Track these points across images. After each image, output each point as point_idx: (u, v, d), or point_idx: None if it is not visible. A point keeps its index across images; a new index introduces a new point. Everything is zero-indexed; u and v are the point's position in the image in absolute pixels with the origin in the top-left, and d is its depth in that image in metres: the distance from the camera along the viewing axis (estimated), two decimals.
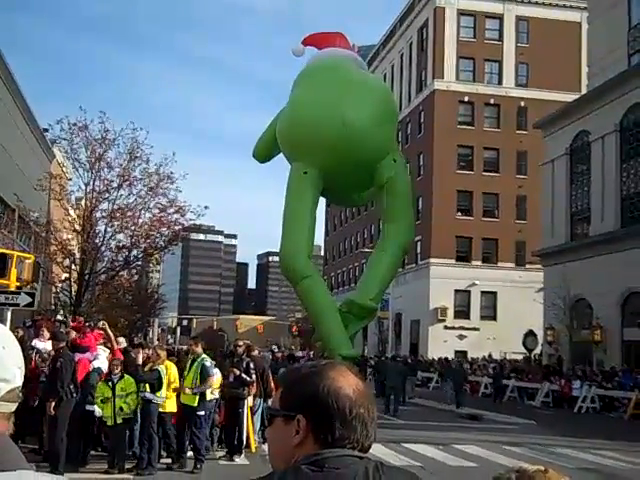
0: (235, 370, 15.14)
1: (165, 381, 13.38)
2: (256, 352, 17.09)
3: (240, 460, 14.78)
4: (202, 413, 14.02)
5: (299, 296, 12.61)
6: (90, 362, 14.34)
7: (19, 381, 1.63)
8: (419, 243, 61.58)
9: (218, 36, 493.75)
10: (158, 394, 13.24)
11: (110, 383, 13.18)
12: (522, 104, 61.14)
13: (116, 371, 13.29)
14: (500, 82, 62.49)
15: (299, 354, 52.99)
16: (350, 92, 11.96)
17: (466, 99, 61.36)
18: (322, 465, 1.76)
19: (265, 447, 16.44)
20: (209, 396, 14.33)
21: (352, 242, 79.19)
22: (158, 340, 52.27)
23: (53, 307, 38.09)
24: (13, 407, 1.62)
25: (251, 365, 15.37)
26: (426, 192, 59.39)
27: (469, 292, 59.08)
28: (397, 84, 71.48)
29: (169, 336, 73.73)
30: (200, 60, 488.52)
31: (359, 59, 13.98)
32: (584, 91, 46.97)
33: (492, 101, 61.64)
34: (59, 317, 33.40)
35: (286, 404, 1.89)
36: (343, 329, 11.81)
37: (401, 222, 12.71)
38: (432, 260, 58.87)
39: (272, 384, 16.17)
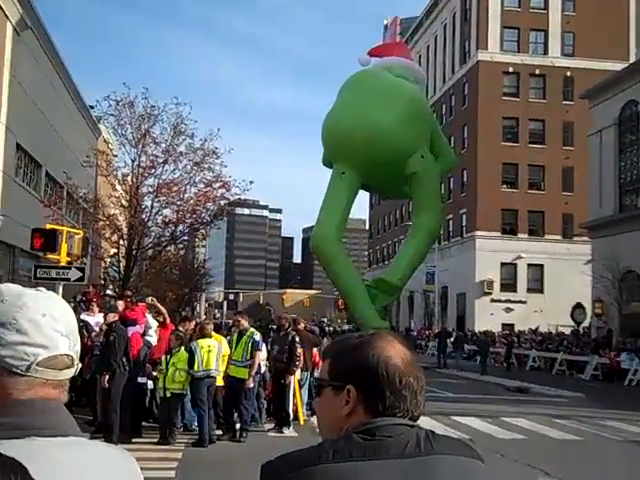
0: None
1: (211, 356, 13.54)
2: (302, 325, 17.21)
3: (289, 432, 14.93)
4: (251, 385, 14.23)
5: (329, 277, 13.69)
6: (142, 336, 14.60)
7: (63, 349, 1.64)
8: (464, 216, 61.20)
9: (257, 14, 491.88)
10: (196, 369, 13.42)
11: (168, 356, 13.46)
12: (568, 74, 60.11)
13: (175, 343, 13.56)
14: (546, 52, 61.43)
15: (345, 327, 53.25)
16: (378, 98, 13.09)
17: (511, 70, 60.47)
18: (373, 434, 1.78)
19: (313, 419, 16.62)
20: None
21: (397, 215, 78.89)
22: (205, 314, 52.82)
23: (102, 282, 38.60)
24: (60, 375, 1.65)
25: (297, 339, 15.49)
26: (470, 165, 58.86)
27: (515, 265, 58.60)
28: (440, 56, 70.70)
29: (216, 310, 74.38)
30: (244, 38, 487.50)
31: (409, 64, 15.07)
32: (632, 60, 46.03)
33: (537, 72, 60.68)
34: (109, 292, 33.92)
35: (335, 374, 1.90)
36: (371, 304, 13.02)
37: (429, 212, 14.09)
38: (477, 233, 58.44)
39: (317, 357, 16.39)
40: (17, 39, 32.08)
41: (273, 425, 15.42)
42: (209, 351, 13.50)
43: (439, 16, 72.00)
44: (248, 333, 14.49)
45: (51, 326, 1.63)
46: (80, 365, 1.74)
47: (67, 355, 1.65)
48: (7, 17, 30.68)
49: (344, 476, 1.70)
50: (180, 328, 14.80)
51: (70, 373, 1.68)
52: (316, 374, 17.53)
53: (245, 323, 14.79)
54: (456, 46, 66.78)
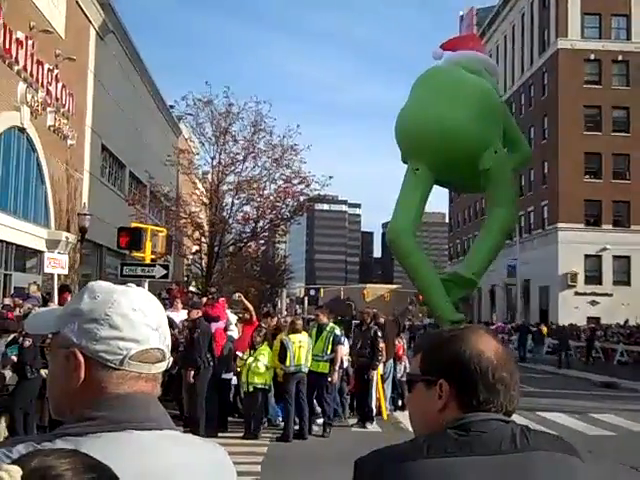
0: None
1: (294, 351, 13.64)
2: (382, 320, 17.18)
3: (372, 427, 14.94)
4: (335, 380, 14.32)
5: (406, 271, 13.87)
6: (225, 332, 14.80)
7: (154, 343, 1.67)
8: (545, 208, 60.08)
9: (334, 8, 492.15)
10: (288, 364, 13.55)
11: (252, 351, 13.63)
12: None
13: (258, 339, 13.72)
14: (629, 37, 59.74)
15: (426, 321, 52.94)
16: (449, 95, 13.13)
17: (592, 57, 59.02)
18: (468, 429, 1.76)
19: (397, 414, 16.59)
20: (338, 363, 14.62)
21: (477, 208, 77.96)
22: (286, 310, 53.18)
23: (186, 279, 39.26)
24: (153, 369, 1.68)
25: (379, 333, 15.49)
26: (551, 156, 57.75)
27: (600, 257, 57.24)
28: (518, 45, 69.51)
29: (297, 306, 74.80)
30: (326, 34, 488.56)
31: (483, 58, 15.16)
32: None
33: (620, 58, 59.07)
34: (192, 288, 34.46)
35: (427, 369, 1.89)
36: (447, 298, 13.24)
37: (503, 207, 14.25)
38: (560, 225, 57.30)
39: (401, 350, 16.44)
40: (100, 43, 32.86)
41: (356, 420, 15.44)
42: (300, 347, 13.62)
43: (517, 4, 70.76)
44: (328, 328, 14.57)
45: (141, 321, 1.66)
46: (171, 359, 1.77)
47: (158, 349, 1.69)
48: (90, 22, 31.44)
49: (442, 471, 1.69)
50: (262, 324, 14.96)
51: (162, 367, 1.71)
52: (400, 366, 17.52)
53: (324, 318, 14.86)
54: (535, 35, 65.53)
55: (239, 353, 14.18)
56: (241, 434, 13.36)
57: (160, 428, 1.61)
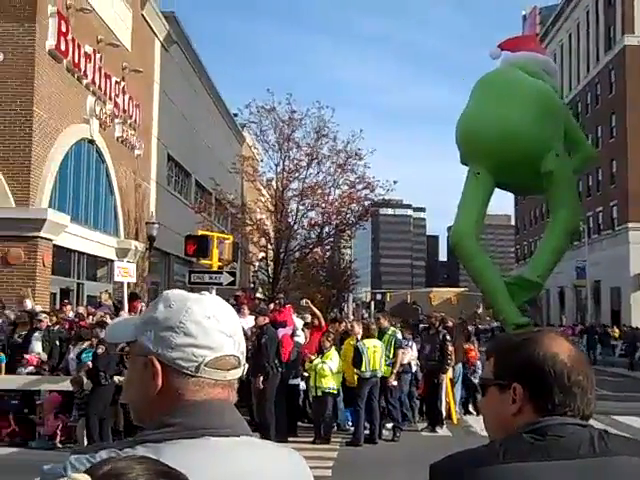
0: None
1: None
2: (450, 324, 17.07)
3: (442, 432, 14.84)
4: (395, 383, 14.28)
5: (470, 274, 13.92)
6: (292, 337, 14.87)
7: (229, 350, 1.69)
8: (614, 208, 58.87)
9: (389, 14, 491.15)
10: (363, 369, 13.57)
11: (320, 356, 13.69)
12: None
13: (327, 344, 13.78)
14: None
15: (494, 325, 52.29)
16: (509, 98, 13.07)
17: None
18: (544, 433, 1.74)
19: (467, 418, 16.46)
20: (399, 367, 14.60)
21: (543, 210, 76.77)
22: (353, 315, 53.12)
23: (252, 285, 39.55)
24: (229, 375, 1.69)
25: (448, 337, 15.40)
26: (620, 154, 56.54)
27: None
28: (583, 43, 68.28)
29: (364, 310, 74.70)
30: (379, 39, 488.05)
31: (542, 59, 15.06)
32: None
33: None
34: (258, 295, 34.70)
35: (500, 373, 1.87)
36: (511, 301, 13.14)
37: (567, 209, 14.16)
38: (630, 225, 56.03)
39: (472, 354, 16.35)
40: (165, 54, 33.38)
41: (426, 424, 15.36)
42: (375, 351, 13.64)
43: (581, 2, 69.55)
44: (390, 332, 14.60)
45: (215, 328, 1.68)
46: (247, 366, 1.79)
47: (233, 355, 1.70)
48: (155, 34, 31.98)
49: (519, 477, 1.67)
50: (331, 329, 15.01)
51: (237, 373, 1.72)
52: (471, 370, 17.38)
53: (385, 322, 14.90)
54: (600, 32, 64.30)
55: (310, 355, 14.21)
56: (311, 439, 13.40)
57: (237, 434, 1.63)
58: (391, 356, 14.29)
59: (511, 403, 1.83)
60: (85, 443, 13.33)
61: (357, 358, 13.62)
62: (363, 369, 13.53)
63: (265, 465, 1.63)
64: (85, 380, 13.78)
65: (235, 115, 44.55)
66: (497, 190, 14.29)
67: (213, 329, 1.68)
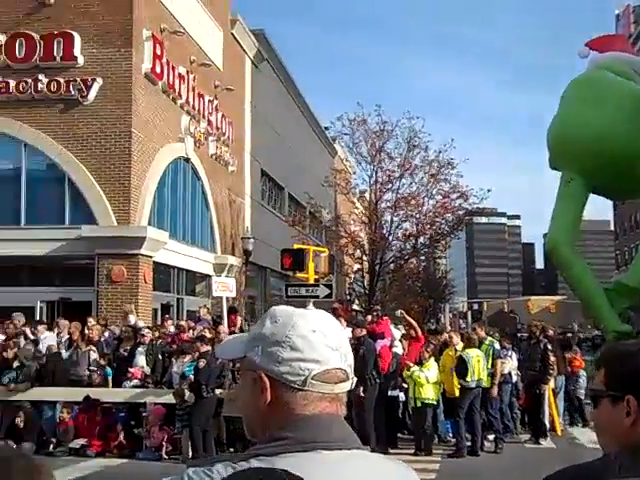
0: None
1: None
2: (551, 333, 16.72)
3: (546, 443, 14.52)
4: (495, 394, 14.08)
5: (569, 282, 13.64)
6: (390, 349, 14.84)
7: (335, 363, 1.69)
8: None
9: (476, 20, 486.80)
10: (468, 379, 13.44)
11: (418, 367, 13.63)
12: None
13: (426, 355, 13.71)
14: None
15: (595, 333, 50.89)
16: (601, 101, 12.74)
17: None
18: None
19: (572, 430, 16.08)
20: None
21: None
22: (450, 325, 52.58)
23: (348, 297, 39.62)
24: (336, 388, 1.69)
25: (549, 346, 15.09)
26: None
27: None
28: None
29: (461, 321, 73.98)
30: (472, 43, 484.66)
31: (632, 59, 14.69)
32: None
33: None
34: (355, 307, 34.75)
35: (612, 384, 1.83)
36: (611, 308, 12.76)
37: None
38: None
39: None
40: (255, 71, 33.89)
41: (529, 436, 15.07)
42: (478, 361, 13.50)
43: None
44: (487, 342, 14.40)
45: (321, 341, 1.68)
46: (355, 379, 1.78)
47: (340, 369, 1.70)
48: (245, 52, 32.52)
49: None
50: (432, 340, 14.94)
51: (346, 387, 1.72)
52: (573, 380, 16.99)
53: (482, 332, 14.69)
54: None
55: (409, 362, 14.12)
56: (412, 451, 13.32)
57: (347, 447, 1.63)
58: (489, 366, 14.08)
59: (625, 416, 1.79)
60: (190, 455, 13.61)
61: (462, 368, 13.46)
62: (468, 379, 13.37)
63: (376, 477, 1.63)
64: (187, 393, 14.06)
65: (326, 128, 44.84)
66: (596, 196, 14.02)
67: (319, 343, 1.68)
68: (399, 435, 14.60)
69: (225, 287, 18.62)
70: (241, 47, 31.94)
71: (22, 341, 15.97)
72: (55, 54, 21.03)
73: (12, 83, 21.11)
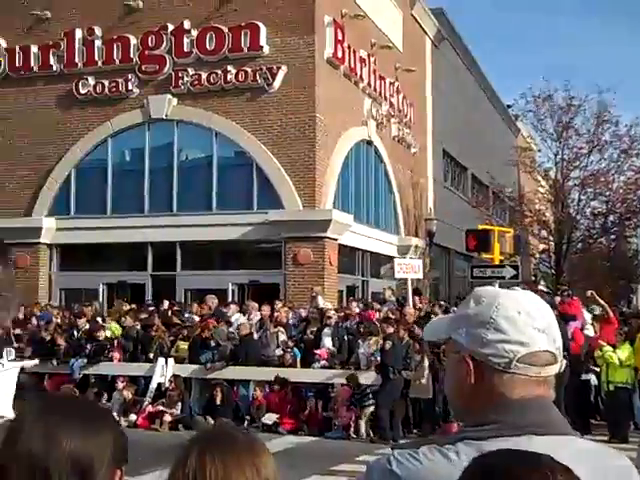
0: None
1: None
2: None
3: None
4: None
5: None
6: (581, 331, 14.41)
7: (543, 345, 1.65)
8: None
9: None
10: None
11: (612, 350, 13.17)
12: None
13: (620, 338, 13.25)
14: None
15: None
16: None
17: None
18: None
19: None
20: None
21: None
22: None
23: (534, 278, 38.71)
24: (543, 372, 1.66)
25: None
26: None
27: None
28: None
29: None
30: None
31: None
32: None
33: None
34: (541, 287, 33.90)
35: None
36: None
37: None
38: None
39: None
40: (435, 51, 33.60)
41: None
42: None
43: None
44: None
45: (527, 323, 1.66)
46: (564, 362, 1.74)
47: (547, 351, 1.67)
48: (425, 32, 32.29)
49: None
50: (632, 323, 14.39)
51: (554, 369, 1.69)
52: None
53: None
54: None
55: (602, 342, 13.61)
56: (606, 438, 12.87)
57: (557, 433, 1.61)
58: None
59: None
60: (368, 434, 13.83)
61: None
62: None
63: (589, 465, 1.55)
64: (374, 376, 14.27)
65: (509, 106, 43.87)
66: None
67: (524, 324, 1.66)
68: (592, 421, 14.14)
69: (410, 268, 18.68)
70: (421, 27, 31.74)
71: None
72: (242, 45, 21.76)
73: (203, 75, 22.05)
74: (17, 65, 23.81)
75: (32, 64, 23.62)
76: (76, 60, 23.18)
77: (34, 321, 18.58)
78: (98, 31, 22.99)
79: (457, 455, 1.56)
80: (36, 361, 15.33)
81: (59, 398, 1.86)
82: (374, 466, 1.66)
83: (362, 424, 14.18)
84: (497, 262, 18.71)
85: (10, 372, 12.85)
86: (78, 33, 23.13)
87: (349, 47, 23.24)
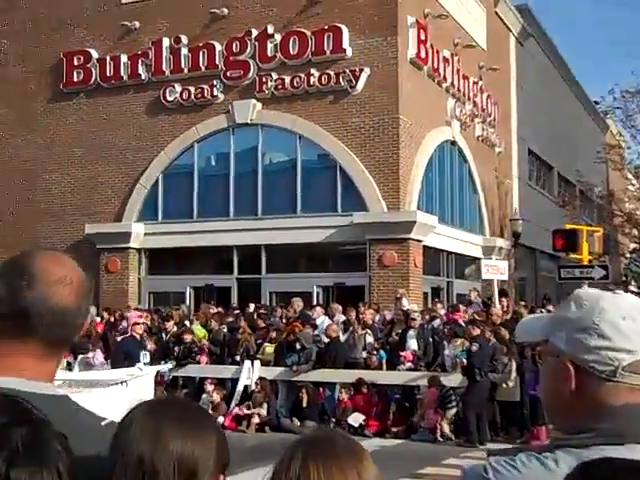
0: None
1: None
2: None
3: None
4: None
5: None
6: None
7: None
8: None
9: None
10: None
11: None
12: None
13: None
14: None
15: None
16: None
17: None
18: None
19: None
20: None
21: None
22: None
23: (624, 278, 37.80)
24: None
25: None
26: None
27: None
28: None
29: None
30: None
31: None
32: None
33: None
34: (632, 287, 33.07)
35: None
36: None
37: None
38: None
39: None
40: (519, 49, 33.11)
41: None
42: None
43: None
44: None
45: (632, 329, 1.60)
46: None
47: None
48: (509, 29, 31.86)
49: None
50: None
51: None
52: None
53: None
54: None
55: None
56: None
57: None
58: None
59: None
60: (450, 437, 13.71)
61: None
62: None
63: None
64: (459, 378, 14.19)
65: (596, 103, 42.95)
66: None
67: (630, 330, 1.60)
68: None
69: (496, 270, 18.50)
70: (505, 25, 31.33)
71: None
72: (325, 48, 21.86)
73: (287, 79, 22.24)
74: (108, 75, 24.47)
75: (122, 73, 24.26)
76: (163, 68, 23.71)
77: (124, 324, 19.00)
78: (184, 39, 23.45)
79: (556, 463, 1.51)
80: (170, 365, 15.72)
81: (166, 400, 1.92)
82: (469, 473, 1.62)
83: (445, 426, 14.11)
84: (586, 262, 18.36)
85: (148, 377, 12.99)
86: (165, 42, 23.65)
87: (432, 47, 23.12)
